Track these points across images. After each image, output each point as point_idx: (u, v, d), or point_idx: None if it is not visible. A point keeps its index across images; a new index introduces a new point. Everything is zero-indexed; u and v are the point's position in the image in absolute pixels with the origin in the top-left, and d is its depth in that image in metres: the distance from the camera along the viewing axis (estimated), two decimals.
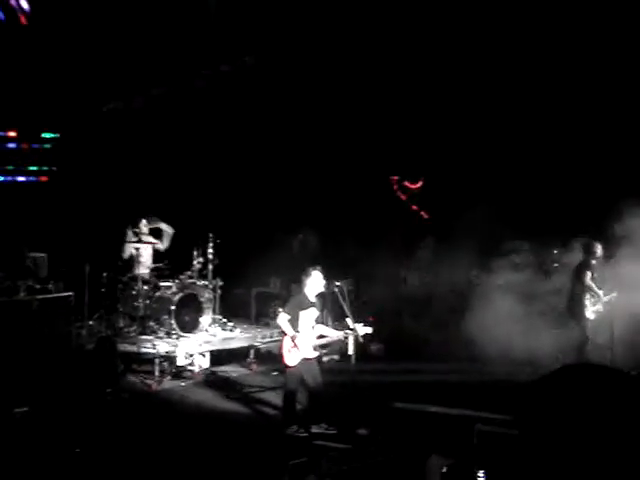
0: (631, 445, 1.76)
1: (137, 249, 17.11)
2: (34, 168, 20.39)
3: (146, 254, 17.38)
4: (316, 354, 13.54)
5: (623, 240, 15.43)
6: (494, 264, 17.31)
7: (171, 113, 19.63)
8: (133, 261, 17.11)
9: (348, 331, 13.31)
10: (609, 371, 1.84)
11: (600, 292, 15.51)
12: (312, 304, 13.40)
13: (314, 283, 13.41)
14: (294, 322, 13.22)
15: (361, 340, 13.31)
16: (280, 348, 13.52)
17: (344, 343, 13.62)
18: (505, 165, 18.00)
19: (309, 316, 13.33)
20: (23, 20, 18.84)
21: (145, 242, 17.26)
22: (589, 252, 15.62)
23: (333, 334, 13.84)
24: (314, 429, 13.15)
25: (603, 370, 1.84)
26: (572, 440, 1.76)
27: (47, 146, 20.37)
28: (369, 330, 13.38)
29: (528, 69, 17.97)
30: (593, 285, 15.50)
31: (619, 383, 1.80)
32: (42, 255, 16.66)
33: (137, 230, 17.35)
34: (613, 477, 1.74)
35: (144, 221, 17.42)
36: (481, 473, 9.53)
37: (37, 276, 15.83)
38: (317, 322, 13.52)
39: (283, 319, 13.27)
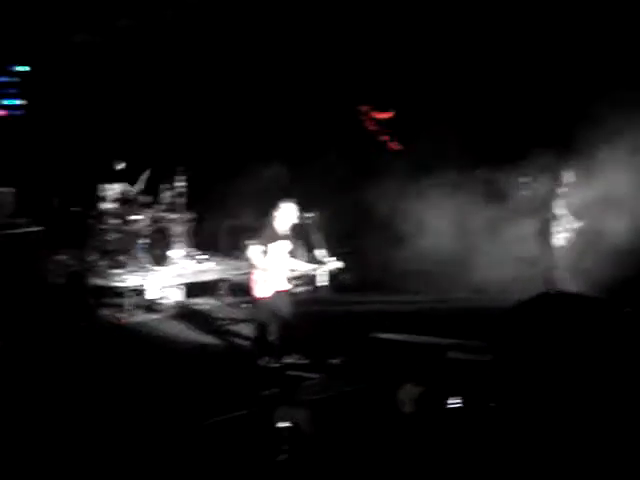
0: (606, 370, 1.76)
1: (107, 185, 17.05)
2: (2, 102, 20.13)
3: (116, 189, 17.27)
4: (288, 286, 13.56)
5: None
6: (458, 193, 17.34)
7: (140, 45, 19.36)
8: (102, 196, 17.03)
9: (320, 264, 13.32)
10: (584, 298, 1.83)
11: (568, 220, 15.58)
12: (284, 236, 13.38)
13: (286, 215, 13.37)
14: (266, 254, 13.21)
15: (334, 271, 13.34)
16: (251, 280, 13.52)
17: (316, 275, 13.66)
18: (473, 93, 17.92)
19: (281, 248, 13.32)
20: None
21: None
22: (557, 180, 15.66)
23: (305, 267, 13.85)
24: (286, 360, 13.22)
25: (578, 297, 1.83)
26: (548, 366, 1.77)
27: (16, 79, 20.10)
28: (340, 264, 13.40)
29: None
30: (563, 212, 15.56)
31: (595, 309, 1.80)
32: (10, 190, 16.50)
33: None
34: (587, 402, 1.73)
35: (120, 161, 17.21)
36: (456, 400, 9.59)
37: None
38: (289, 254, 13.51)
39: (254, 251, 13.25)
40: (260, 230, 14.25)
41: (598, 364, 1.71)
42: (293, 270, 13.58)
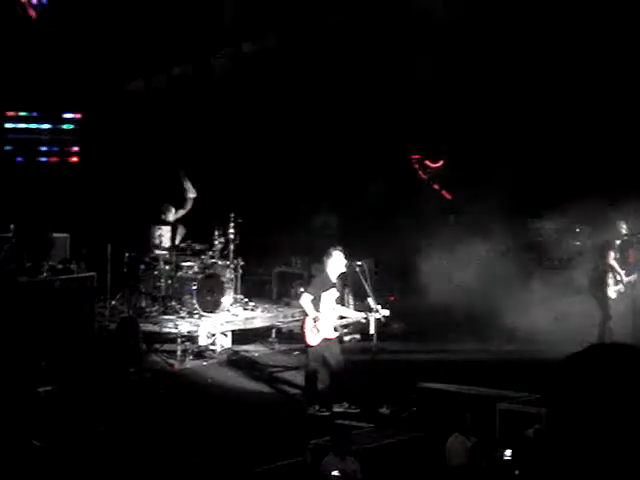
0: None
1: (160, 229, 17.19)
2: (56, 149, 20.43)
3: (168, 235, 17.42)
4: (337, 334, 13.56)
5: None
6: (515, 243, 17.29)
7: (192, 92, 19.60)
8: (156, 242, 17.19)
9: (369, 312, 13.33)
10: (636, 350, 1.84)
11: (622, 272, 15.47)
12: (333, 285, 13.41)
13: (335, 263, 13.41)
14: (316, 302, 13.24)
15: (382, 320, 13.33)
16: (302, 328, 13.54)
17: (365, 323, 13.65)
18: (524, 141, 17.90)
19: (330, 297, 13.35)
20: (33, 14, 18.92)
21: (168, 224, 17.30)
22: (614, 231, 15.58)
23: (354, 315, 13.86)
24: (336, 408, 13.19)
25: (630, 349, 1.84)
26: (603, 422, 1.76)
27: (70, 126, 20.41)
28: (388, 312, 13.40)
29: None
30: (616, 265, 15.46)
31: None
32: (64, 235, 16.72)
33: (163, 217, 17.37)
34: None
35: (170, 207, 17.43)
36: (508, 452, 9.51)
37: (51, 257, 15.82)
38: (338, 302, 13.54)
39: (306, 299, 13.29)
40: (312, 277, 14.30)
41: None
42: (342, 318, 13.60)
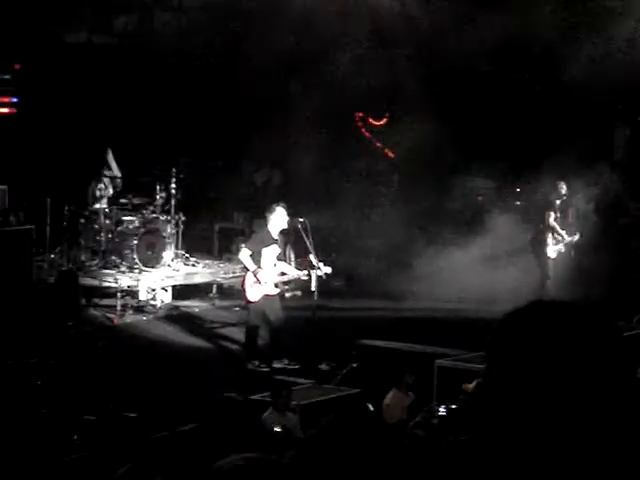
0: (597, 381, 1.76)
1: (100, 182, 17.05)
2: None
3: (108, 187, 17.28)
4: (278, 290, 13.56)
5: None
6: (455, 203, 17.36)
7: (133, 45, 19.34)
8: (96, 195, 17.05)
9: (310, 269, 13.32)
10: (576, 308, 1.85)
11: (563, 232, 15.62)
12: (275, 241, 13.37)
13: (277, 220, 13.36)
14: (256, 258, 13.20)
15: (323, 277, 13.35)
16: (242, 284, 13.52)
17: (306, 280, 13.66)
18: (470, 100, 17.93)
19: (271, 253, 13.31)
20: None
21: (108, 176, 17.17)
22: (554, 191, 15.71)
23: (295, 272, 13.85)
24: (276, 364, 13.22)
25: (571, 307, 1.85)
26: (542, 377, 1.77)
27: (8, 77, 20.03)
28: (329, 270, 13.41)
29: None
30: (556, 225, 15.60)
31: (587, 320, 1.81)
32: (1, 187, 16.47)
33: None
34: (581, 412, 1.73)
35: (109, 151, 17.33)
36: (442, 408, 9.62)
37: None
38: (279, 259, 13.52)
39: (245, 255, 13.26)
40: (253, 233, 14.25)
41: (590, 373, 1.72)
42: (283, 274, 13.60)
